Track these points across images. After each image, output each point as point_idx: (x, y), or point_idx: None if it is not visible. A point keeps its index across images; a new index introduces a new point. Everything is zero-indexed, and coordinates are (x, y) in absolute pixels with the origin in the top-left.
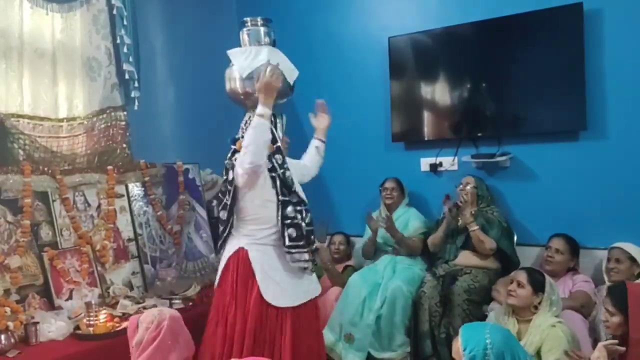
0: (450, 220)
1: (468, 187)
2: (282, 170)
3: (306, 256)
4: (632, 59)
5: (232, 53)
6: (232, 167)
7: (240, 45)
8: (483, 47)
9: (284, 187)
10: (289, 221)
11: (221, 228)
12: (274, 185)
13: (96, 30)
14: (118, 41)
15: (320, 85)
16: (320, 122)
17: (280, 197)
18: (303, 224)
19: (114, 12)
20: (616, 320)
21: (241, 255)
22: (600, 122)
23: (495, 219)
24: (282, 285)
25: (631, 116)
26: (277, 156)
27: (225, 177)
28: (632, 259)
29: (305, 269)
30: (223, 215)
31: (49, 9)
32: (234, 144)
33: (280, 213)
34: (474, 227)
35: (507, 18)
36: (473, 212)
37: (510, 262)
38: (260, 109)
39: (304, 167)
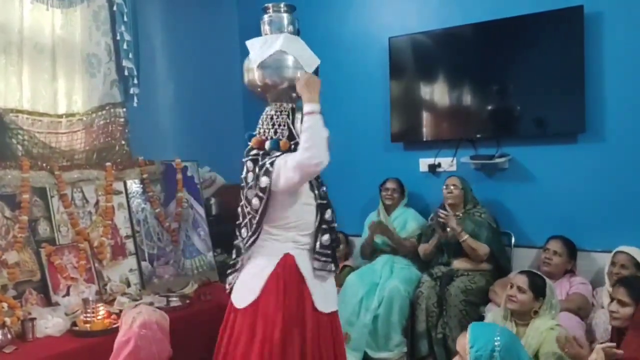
0: (441, 235)
1: (456, 192)
2: None
3: (332, 267)
4: (632, 62)
5: (251, 43)
6: (266, 172)
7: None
8: (483, 49)
9: (318, 188)
10: (325, 226)
11: (249, 234)
12: (312, 187)
13: (96, 27)
14: (118, 37)
15: (321, 85)
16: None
17: (318, 200)
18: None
19: (114, 8)
20: (628, 312)
21: (288, 262)
22: (599, 124)
23: (484, 221)
24: (326, 288)
25: (630, 119)
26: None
27: (244, 179)
28: (638, 265)
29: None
30: (252, 222)
31: (49, 4)
32: (250, 141)
33: (319, 217)
34: (464, 237)
35: (508, 20)
36: (460, 215)
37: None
38: (307, 107)
39: None
